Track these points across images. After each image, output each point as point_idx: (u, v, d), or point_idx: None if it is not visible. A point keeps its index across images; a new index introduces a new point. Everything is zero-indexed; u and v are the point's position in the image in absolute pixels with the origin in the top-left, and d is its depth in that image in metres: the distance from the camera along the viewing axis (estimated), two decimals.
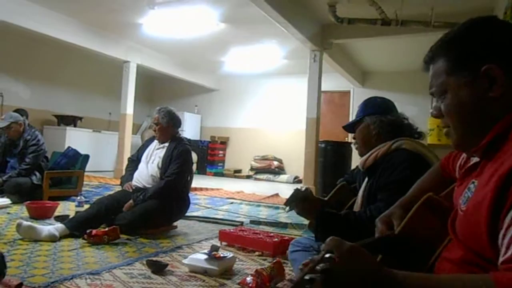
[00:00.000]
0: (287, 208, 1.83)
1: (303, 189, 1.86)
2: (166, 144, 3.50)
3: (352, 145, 1.97)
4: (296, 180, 9.40)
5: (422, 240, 1.02)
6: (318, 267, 0.65)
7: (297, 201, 1.78)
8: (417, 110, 8.55)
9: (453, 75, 0.83)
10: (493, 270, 0.66)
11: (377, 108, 1.86)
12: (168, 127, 3.49)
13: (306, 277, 0.64)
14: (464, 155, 1.07)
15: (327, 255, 0.67)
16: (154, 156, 3.50)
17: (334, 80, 8.96)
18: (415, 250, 1.01)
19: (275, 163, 10.06)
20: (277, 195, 6.56)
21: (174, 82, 10.75)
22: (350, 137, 8.44)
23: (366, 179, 1.83)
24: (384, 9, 5.19)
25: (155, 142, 3.60)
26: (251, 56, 8.48)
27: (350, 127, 1.94)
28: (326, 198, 2.11)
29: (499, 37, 0.81)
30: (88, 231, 2.88)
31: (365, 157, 1.81)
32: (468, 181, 0.85)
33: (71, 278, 2.11)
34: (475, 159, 0.89)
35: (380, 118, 1.82)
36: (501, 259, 0.66)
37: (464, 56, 0.82)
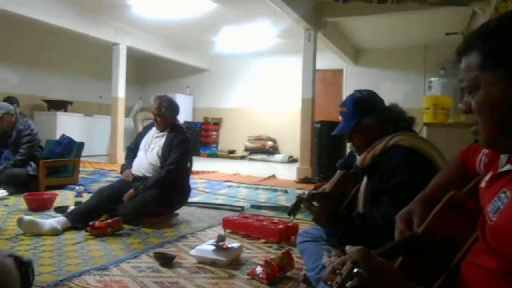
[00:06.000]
0: (292, 217, 1.79)
1: (305, 195, 1.80)
2: (165, 133, 3.45)
3: (350, 147, 1.89)
4: (291, 160, 9.42)
5: (445, 240, 1.01)
6: (347, 285, 0.66)
7: (301, 208, 1.74)
8: (411, 87, 8.54)
9: (487, 70, 0.78)
10: None
11: (372, 107, 1.78)
12: (170, 117, 3.46)
13: None
14: (484, 150, 1.04)
15: (354, 270, 0.68)
16: (154, 144, 3.45)
17: (327, 59, 8.83)
18: (438, 250, 1.00)
19: (269, 143, 10.04)
20: (273, 176, 6.58)
21: (165, 63, 10.56)
22: None
23: (366, 178, 1.80)
24: None
25: (153, 129, 3.54)
26: (243, 35, 8.33)
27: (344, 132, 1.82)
28: (328, 190, 2.08)
29: None
30: (91, 223, 2.85)
31: (362, 156, 1.76)
32: (497, 188, 0.81)
33: (80, 275, 2.09)
34: (506, 166, 0.84)
35: (381, 118, 1.75)
36: None
37: (500, 52, 0.76)
